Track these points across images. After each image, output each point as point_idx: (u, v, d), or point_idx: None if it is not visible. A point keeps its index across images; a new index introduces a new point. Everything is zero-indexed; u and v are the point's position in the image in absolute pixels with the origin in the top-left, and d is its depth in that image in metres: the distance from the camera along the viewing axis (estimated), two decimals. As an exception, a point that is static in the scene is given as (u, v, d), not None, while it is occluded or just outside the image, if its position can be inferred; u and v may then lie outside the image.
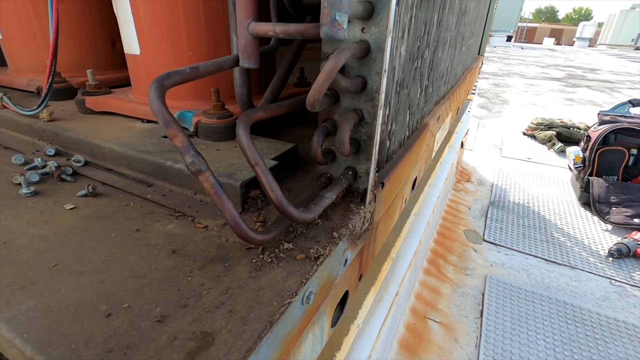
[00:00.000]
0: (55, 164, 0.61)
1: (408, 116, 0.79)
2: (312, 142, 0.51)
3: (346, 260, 0.51)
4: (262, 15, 0.51)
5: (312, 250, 0.42)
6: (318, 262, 0.41)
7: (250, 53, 0.49)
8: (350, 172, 0.54)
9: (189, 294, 0.36)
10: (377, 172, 0.57)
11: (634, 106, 2.60)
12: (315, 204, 0.46)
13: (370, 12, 0.45)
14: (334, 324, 0.56)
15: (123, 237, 0.45)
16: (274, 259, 0.41)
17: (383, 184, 0.60)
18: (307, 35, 0.44)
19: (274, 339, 0.34)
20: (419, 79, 0.81)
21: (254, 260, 0.41)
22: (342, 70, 0.50)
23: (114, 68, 1.04)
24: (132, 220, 0.49)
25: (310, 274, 0.40)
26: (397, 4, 0.49)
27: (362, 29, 0.47)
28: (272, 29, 0.45)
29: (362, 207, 0.54)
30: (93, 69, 0.82)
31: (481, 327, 1.46)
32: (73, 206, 0.52)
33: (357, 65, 0.49)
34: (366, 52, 0.48)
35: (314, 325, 0.46)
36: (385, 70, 0.48)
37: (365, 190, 0.55)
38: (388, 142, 0.67)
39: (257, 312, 0.34)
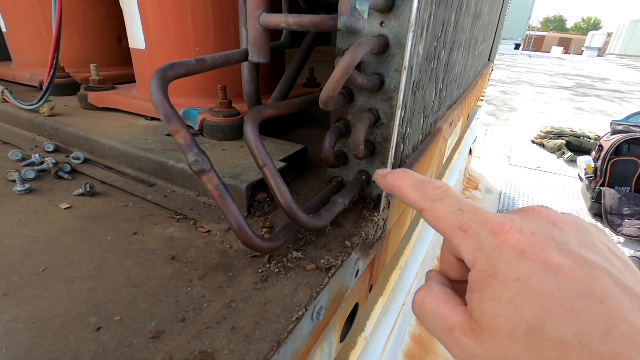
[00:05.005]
0: (53, 161, 0.58)
1: (422, 119, 0.75)
2: (324, 143, 0.47)
3: (357, 271, 0.48)
4: (273, 9, 0.48)
5: (322, 261, 0.39)
6: (329, 274, 0.38)
7: (260, 46, 0.46)
8: (363, 176, 0.51)
9: (188, 306, 0.33)
10: (391, 176, 0.53)
11: (647, 116, 2.54)
12: (327, 209, 0.43)
13: (390, 5, 0.42)
14: (342, 338, 0.52)
15: (119, 240, 0.42)
16: (282, 269, 0.38)
17: (397, 190, 0.57)
18: (322, 27, 0.41)
19: (281, 360, 0.31)
20: (435, 81, 0.78)
21: (259, 270, 0.38)
22: (358, 67, 0.47)
23: (120, 64, 1.02)
24: (130, 222, 0.46)
25: (322, 286, 0.36)
26: (418, -2, 0.46)
27: (381, 23, 0.44)
28: (284, 20, 0.42)
29: (376, 214, 0.50)
30: (98, 65, 0.80)
31: (489, 339, 1.41)
32: (69, 205, 0.49)
33: (374, 62, 0.46)
34: (384, 48, 0.44)
35: (323, 341, 0.42)
36: (405, 68, 0.45)
37: (379, 195, 0.51)
38: (402, 146, 0.63)
39: (263, 329, 0.31)
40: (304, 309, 0.33)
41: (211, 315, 0.32)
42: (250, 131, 0.37)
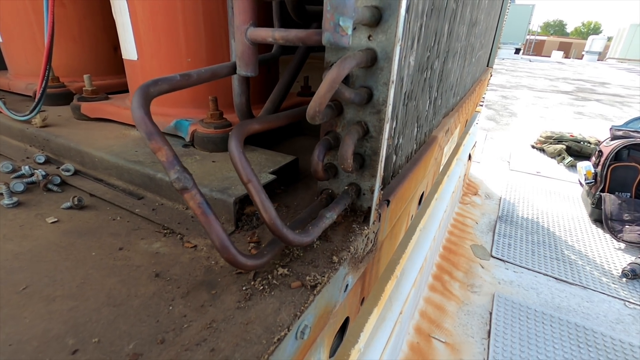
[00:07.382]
0: (43, 173, 0.58)
1: (416, 129, 0.75)
2: (313, 157, 0.47)
3: (347, 285, 0.47)
4: (264, 21, 0.48)
5: (308, 278, 0.38)
6: (315, 292, 0.37)
7: (248, 60, 0.46)
8: (353, 189, 0.50)
9: (168, 327, 0.32)
10: (382, 189, 0.53)
11: (647, 121, 2.53)
12: (314, 225, 0.42)
13: (377, 19, 0.42)
14: (332, 353, 0.51)
15: (104, 256, 0.41)
16: (266, 287, 0.37)
17: (388, 202, 0.56)
18: (309, 42, 0.41)
19: (262, 383, 0.30)
20: (428, 91, 0.77)
21: (243, 288, 0.37)
22: (347, 80, 0.47)
23: (115, 74, 1.02)
24: (116, 237, 0.45)
25: (306, 305, 0.35)
26: (407, 11, 0.46)
27: (369, 37, 0.44)
28: (271, 34, 0.42)
29: (366, 228, 0.50)
30: (93, 74, 0.80)
31: (488, 348, 1.39)
32: (55, 220, 0.48)
33: (363, 75, 0.46)
34: (372, 62, 0.44)
35: (310, 359, 0.42)
36: (392, 81, 0.44)
37: (369, 208, 0.51)
38: (394, 157, 0.63)
39: (243, 351, 0.30)
40: (286, 330, 0.32)
41: (191, 337, 0.31)
42: (234, 147, 0.37)
